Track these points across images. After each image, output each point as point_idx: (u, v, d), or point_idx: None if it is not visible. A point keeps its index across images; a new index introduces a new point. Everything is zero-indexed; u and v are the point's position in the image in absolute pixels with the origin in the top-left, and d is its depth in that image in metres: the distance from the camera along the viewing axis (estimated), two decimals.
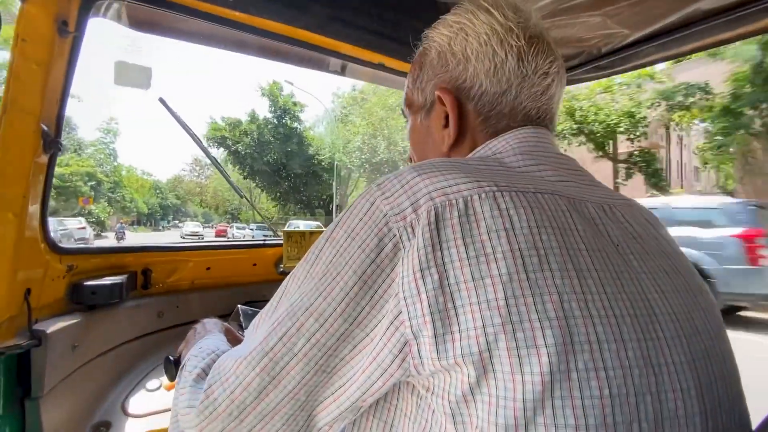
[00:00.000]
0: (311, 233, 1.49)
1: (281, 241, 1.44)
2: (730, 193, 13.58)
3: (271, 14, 1.05)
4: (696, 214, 6.01)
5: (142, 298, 1.15)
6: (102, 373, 1.00)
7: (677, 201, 6.67)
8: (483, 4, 0.51)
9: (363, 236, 0.39)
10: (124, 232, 25.32)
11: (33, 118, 0.78)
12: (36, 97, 0.78)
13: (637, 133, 14.17)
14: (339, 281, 0.39)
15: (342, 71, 1.39)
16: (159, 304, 1.19)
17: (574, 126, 14.36)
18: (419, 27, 0.58)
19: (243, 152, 25.31)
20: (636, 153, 14.96)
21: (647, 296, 0.39)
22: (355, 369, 0.39)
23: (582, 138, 14.69)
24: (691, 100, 12.74)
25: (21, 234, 0.79)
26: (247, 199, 1.68)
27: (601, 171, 14.45)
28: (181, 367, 0.55)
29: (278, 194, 27.84)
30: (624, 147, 15.53)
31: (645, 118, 13.91)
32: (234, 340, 0.65)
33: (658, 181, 14.94)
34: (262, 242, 1.50)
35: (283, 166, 25.81)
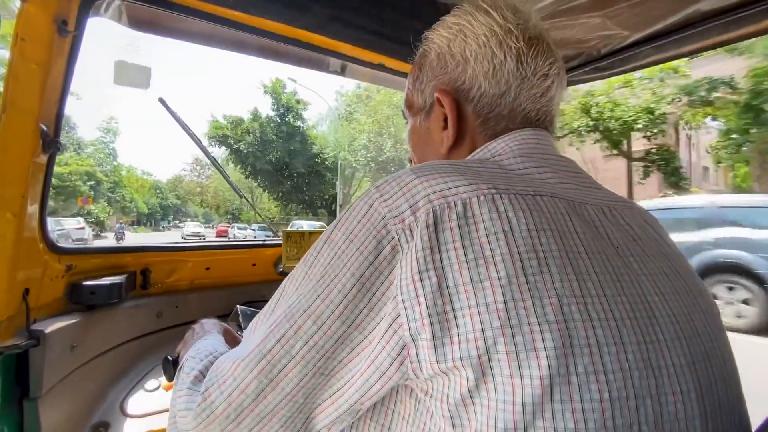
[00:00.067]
0: (311, 233, 1.49)
1: (280, 242, 1.44)
2: (746, 193, 12.98)
3: (271, 14, 1.05)
4: (742, 214, 5.22)
5: (141, 298, 1.15)
6: (101, 374, 0.99)
7: (724, 200, 5.81)
8: (482, 6, 0.51)
9: (361, 238, 0.39)
10: (123, 233, 25.20)
11: (32, 117, 0.78)
12: (35, 96, 0.78)
13: (655, 131, 12.97)
14: (337, 283, 0.39)
15: (342, 71, 1.39)
16: (158, 304, 1.18)
17: (590, 123, 13.21)
18: (419, 27, 0.58)
19: (245, 151, 24.93)
20: (654, 151, 13.83)
21: (647, 298, 0.39)
22: (353, 372, 0.39)
23: (597, 135, 13.54)
24: (715, 95, 11.77)
25: (20, 234, 0.79)
26: (246, 199, 1.67)
27: (615, 170, 13.84)
28: (178, 368, 0.55)
29: (281, 194, 27.51)
30: (638, 145, 14.66)
31: (664, 114, 12.80)
32: (232, 341, 0.65)
33: (678, 180, 13.74)
34: (261, 242, 1.50)
35: (285, 165, 25.42)
